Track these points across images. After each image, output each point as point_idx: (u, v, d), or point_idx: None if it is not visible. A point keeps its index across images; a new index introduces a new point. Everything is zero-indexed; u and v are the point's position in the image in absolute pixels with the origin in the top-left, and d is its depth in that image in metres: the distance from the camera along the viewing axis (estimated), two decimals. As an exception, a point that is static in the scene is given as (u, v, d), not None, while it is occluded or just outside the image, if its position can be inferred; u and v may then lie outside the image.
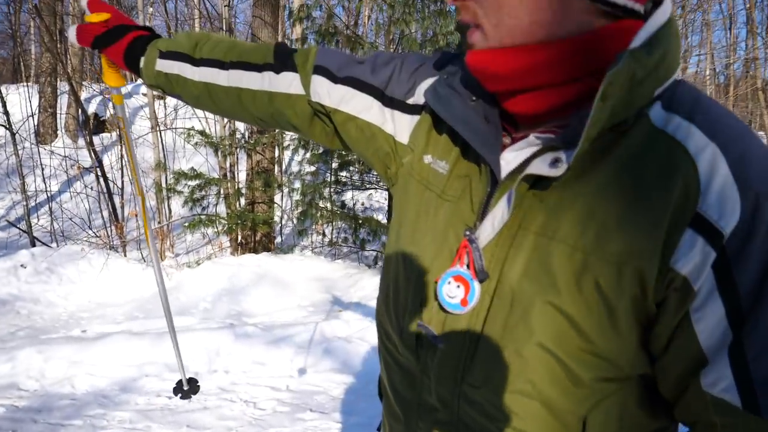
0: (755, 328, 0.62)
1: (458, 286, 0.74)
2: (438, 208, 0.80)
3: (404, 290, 0.84)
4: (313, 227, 6.61)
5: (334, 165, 6.33)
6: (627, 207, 0.65)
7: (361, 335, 4.22)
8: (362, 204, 7.44)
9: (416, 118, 0.88)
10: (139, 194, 1.36)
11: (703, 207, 0.62)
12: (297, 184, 6.66)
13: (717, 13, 20.27)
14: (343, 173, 6.34)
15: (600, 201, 0.67)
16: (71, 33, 1.10)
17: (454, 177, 0.80)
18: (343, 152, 6.10)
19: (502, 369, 0.73)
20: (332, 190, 6.38)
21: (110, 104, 11.38)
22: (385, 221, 6.34)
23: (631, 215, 0.65)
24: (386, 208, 8.57)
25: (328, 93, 0.95)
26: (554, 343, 0.69)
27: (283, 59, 1.00)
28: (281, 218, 7.40)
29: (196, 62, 1.05)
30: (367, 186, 6.60)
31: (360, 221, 6.00)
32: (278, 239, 7.38)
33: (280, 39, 7.77)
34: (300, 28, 6.54)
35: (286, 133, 6.99)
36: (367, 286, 5.40)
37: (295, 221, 6.74)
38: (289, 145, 6.60)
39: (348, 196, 6.98)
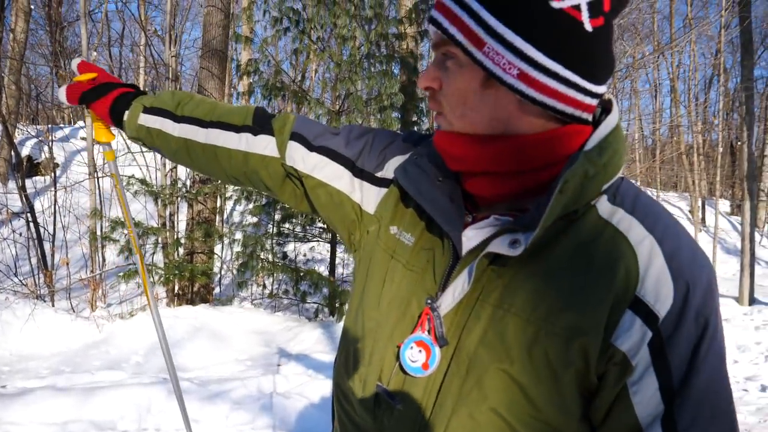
0: (685, 401, 0.71)
1: (420, 351, 0.80)
2: (403, 277, 0.86)
3: (366, 353, 0.88)
4: (254, 279, 6.53)
5: (277, 217, 6.33)
6: (576, 287, 0.74)
7: (300, 391, 4.15)
8: (304, 256, 7.43)
9: (383, 190, 0.95)
10: (137, 252, 1.34)
11: (641, 291, 0.72)
12: (238, 235, 6.61)
13: (644, 81, 21.79)
14: (286, 225, 6.34)
15: (552, 280, 0.75)
16: (61, 93, 1.16)
17: (419, 249, 0.86)
18: (287, 204, 6.13)
19: (456, 431, 0.78)
20: (274, 241, 6.36)
21: (45, 147, 11.03)
22: (326, 273, 6.35)
23: (579, 295, 0.73)
24: (328, 260, 8.57)
25: (302, 159, 1.01)
26: (506, 408, 0.75)
27: (261, 123, 1.06)
28: (220, 269, 7.28)
29: (178, 119, 1.12)
30: (310, 238, 6.61)
31: (302, 273, 5.98)
32: (217, 290, 7.24)
33: (227, 91, 7.80)
34: (247, 82, 6.65)
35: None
36: (307, 339, 5.35)
37: (235, 272, 6.65)
38: (231, 195, 6.58)
39: (290, 247, 6.97)
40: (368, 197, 0.96)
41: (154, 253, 6.61)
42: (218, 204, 7.04)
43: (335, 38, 6.20)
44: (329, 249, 6.76)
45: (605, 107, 0.82)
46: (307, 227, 6.39)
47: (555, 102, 0.75)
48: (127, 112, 1.15)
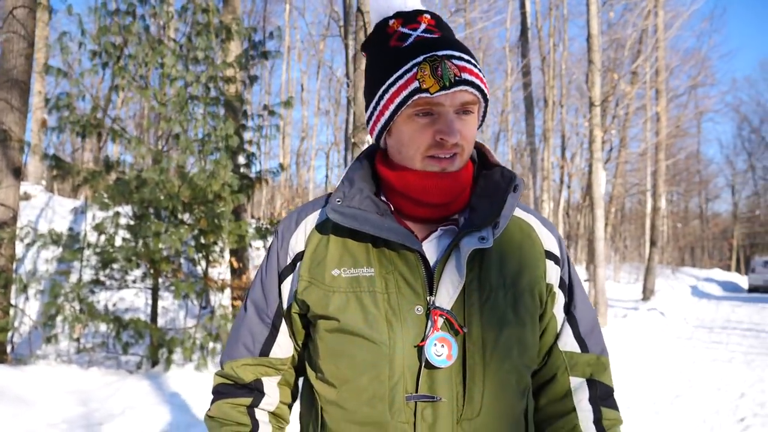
0: (574, 304, 1.13)
1: (443, 346, 0.96)
2: (382, 301, 0.98)
3: (381, 374, 0.96)
4: (64, 332, 5.87)
5: (93, 262, 5.81)
6: (521, 257, 1.07)
7: (129, 449, 3.84)
8: (114, 305, 6.83)
9: (296, 267, 1.06)
10: None
11: (545, 246, 1.11)
12: (44, 285, 5.92)
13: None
14: (106, 271, 5.85)
15: (506, 258, 1.05)
16: None
17: (382, 275, 1.00)
18: (111, 249, 5.68)
19: (491, 394, 0.99)
20: (89, 290, 5.81)
21: None
22: (149, 321, 5.93)
23: (524, 260, 1.07)
24: (144, 309, 7.99)
25: (280, 347, 1.11)
26: (516, 356, 1.00)
27: (253, 398, 1.11)
28: (19, 323, 6.42)
29: None
30: (130, 285, 6.16)
31: (124, 323, 5.52)
32: (11, 348, 6.34)
33: (30, 126, 7.02)
34: (54, 117, 6.11)
35: (31, 227, 6.26)
36: (131, 394, 4.95)
37: (39, 327, 5.92)
38: (35, 240, 5.90)
39: (107, 296, 6.42)
40: (285, 290, 1.08)
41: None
42: (18, 251, 6.26)
43: (161, 77, 6.00)
44: (149, 297, 6.36)
45: None
46: (128, 272, 5.94)
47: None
48: None
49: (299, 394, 1.18)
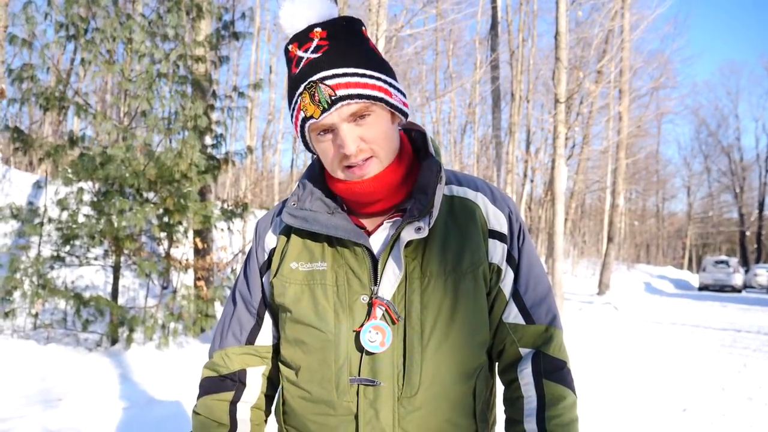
0: (521, 278, 1.14)
1: (377, 333, 1.03)
2: (332, 293, 1.08)
3: (329, 361, 1.06)
4: (27, 307, 5.77)
5: (54, 238, 5.72)
6: (461, 239, 1.09)
7: (88, 424, 3.85)
8: (72, 283, 6.74)
9: (271, 262, 1.17)
10: None
11: (491, 225, 1.13)
12: (3, 259, 5.80)
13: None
14: (66, 248, 5.76)
15: (446, 243, 1.09)
16: None
17: (335, 269, 1.09)
18: (73, 225, 5.60)
19: (429, 375, 1.04)
20: (49, 266, 5.73)
21: None
22: (110, 298, 5.88)
23: (465, 242, 1.10)
24: (103, 288, 7.90)
25: (264, 338, 1.21)
26: (457, 337, 1.05)
27: (236, 391, 1.20)
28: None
29: None
30: (92, 263, 6.09)
31: (85, 301, 5.47)
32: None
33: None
34: (12, 89, 5.95)
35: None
36: (90, 371, 4.92)
37: (-3, 301, 5.80)
38: (-8, 214, 5.76)
39: (66, 273, 6.33)
40: (265, 284, 1.18)
41: None
42: (-26, 223, 6.10)
43: (128, 53, 5.91)
44: (112, 274, 6.30)
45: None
46: (90, 249, 5.87)
47: (406, 109, 1.10)
48: None
49: None
